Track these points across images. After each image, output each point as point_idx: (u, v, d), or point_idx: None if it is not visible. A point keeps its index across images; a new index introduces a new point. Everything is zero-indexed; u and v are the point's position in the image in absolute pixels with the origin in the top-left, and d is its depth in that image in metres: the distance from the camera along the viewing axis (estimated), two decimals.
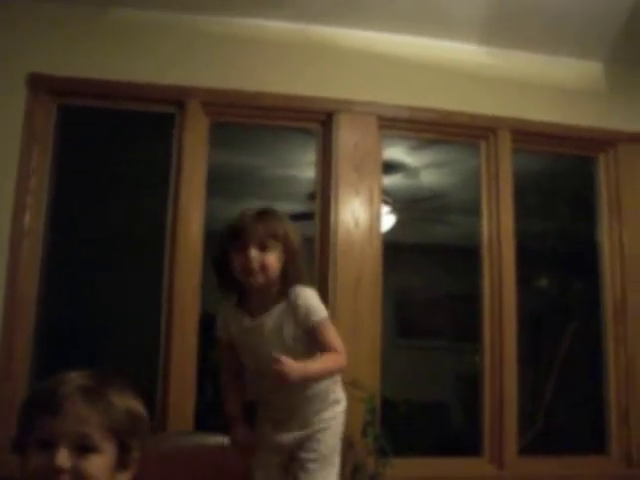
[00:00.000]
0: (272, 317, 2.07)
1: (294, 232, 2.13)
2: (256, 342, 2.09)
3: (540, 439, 3.22)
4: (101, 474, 1.18)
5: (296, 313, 2.05)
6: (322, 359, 2.04)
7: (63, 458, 1.12)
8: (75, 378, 1.21)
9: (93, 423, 1.17)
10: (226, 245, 2.09)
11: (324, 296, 2.87)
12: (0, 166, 2.78)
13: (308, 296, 2.09)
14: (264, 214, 2.09)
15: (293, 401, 2.10)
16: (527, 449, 3.04)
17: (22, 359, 2.71)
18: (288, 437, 2.12)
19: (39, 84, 2.86)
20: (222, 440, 2.36)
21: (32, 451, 1.12)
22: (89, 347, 2.83)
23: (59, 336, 2.81)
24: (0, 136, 2.80)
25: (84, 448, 1.16)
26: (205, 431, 2.61)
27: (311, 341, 2.08)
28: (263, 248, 2.03)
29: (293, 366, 1.91)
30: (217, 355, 2.26)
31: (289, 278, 2.08)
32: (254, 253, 2.02)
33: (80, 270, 2.90)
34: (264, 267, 2.03)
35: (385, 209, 3.36)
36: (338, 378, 2.21)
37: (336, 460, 2.15)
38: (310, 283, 2.17)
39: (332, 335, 2.08)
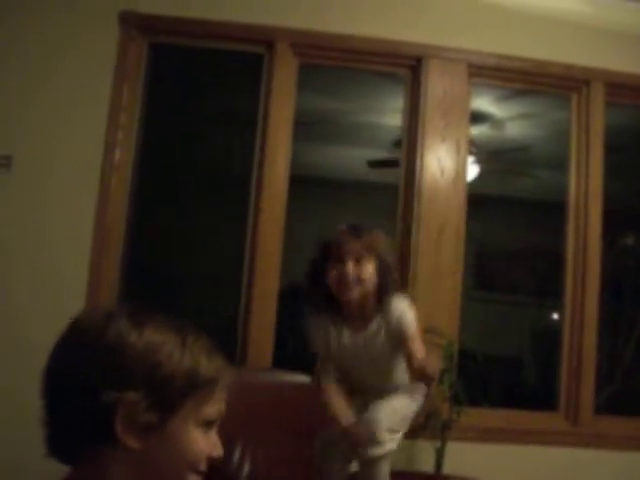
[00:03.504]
0: (372, 329, 2.11)
1: (386, 244, 2.17)
2: (356, 353, 2.13)
3: (616, 399, 3.18)
4: None
5: (390, 323, 2.10)
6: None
7: None
8: None
9: None
10: (322, 260, 2.12)
11: (407, 244, 2.88)
12: (92, 102, 2.84)
13: (402, 309, 2.11)
14: (358, 229, 2.12)
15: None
16: (602, 408, 3.00)
17: (110, 289, 2.81)
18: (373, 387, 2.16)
19: (131, 22, 2.90)
20: (299, 378, 2.41)
21: None
22: (173, 280, 2.90)
23: (145, 268, 2.89)
24: (93, 73, 2.85)
25: None
26: (282, 368, 2.66)
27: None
28: (358, 261, 2.07)
29: (424, 359, 1.97)
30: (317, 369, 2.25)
31: (384, 289, 2.10)
32: (350, 267, 2.06)
33: (166, 205, 2.96)
34: (360, 280, 2.07)
35: (469, 159, 3.31)
36: None
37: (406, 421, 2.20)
38: (403, 291, 2.24)
39: (419, 344, 2.08)
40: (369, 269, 2.08)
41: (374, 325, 2.12)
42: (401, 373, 2.17)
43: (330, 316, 2.16)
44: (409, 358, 2.05)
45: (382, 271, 2.10)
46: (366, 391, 2.17)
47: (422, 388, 2.22)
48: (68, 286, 2.71)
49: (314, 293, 2.16)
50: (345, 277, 2.06)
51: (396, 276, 2.18)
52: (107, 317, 1.00)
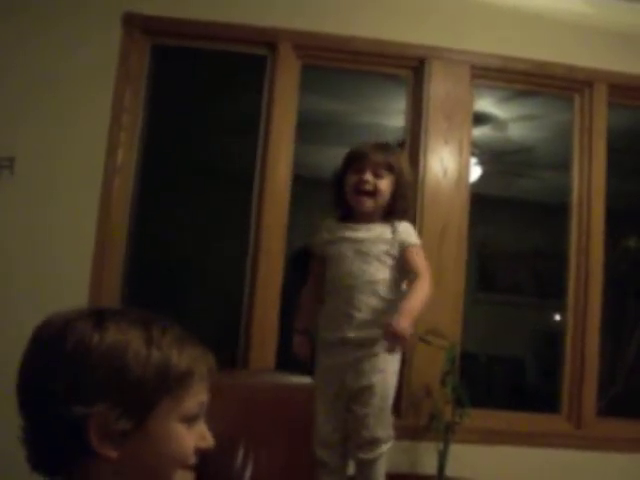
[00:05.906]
0: (370, 231, 2.17)
1: (408, 169, 2.26)
2: (347, 250, 2.16)
3: (618, 401, 3.17)
4: None
5: (395, 234, 2.16)
6: (413, 294, 2.10)
7: None
8: None
9: None
10: (345, 167, 2.21)
11: None
12: (95, 103, 2.84)
13: (409, 226, 2.22)
14: (385, 145, 2.22)
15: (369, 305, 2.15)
16: (604, 410, 2.99)
17: (111, 292, 2.81)
18: (359, 333, 2.14)
19: (134, 23, 2.90)
20: (301, 380, 2.41)
21: None
22: (176, 282, 2.91)
23: (147, 271, 2.90)
24: (95, 74, 2.85)
25: None
26: (285, 370, 2.66)
27: (402, 262, 2.18)
28: (377, 175, 2.15)
29: (402, 324, 1.97)
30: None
31: (394, 210, 2.19)
32: (368, 176, 2.14)
33: (169, 207, 2.96)
34: (376, 191, 2.15)
35: (472, 160, 3.31)
36: None
37: (390, 406, 2.20)
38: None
39: (421, 260, 2.19)
40: (385, 183, 2.16)
41: (377, 231, 2.16)
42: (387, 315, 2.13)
43: (340, 218, 2.25)
44: (411, 269, 2.16)
45: (397, 191, 2.18)
46: (348, 331, 2.14)
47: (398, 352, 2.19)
48: (70, 288, 2.70)
49: (337, 200, 2.26)
50: (361, 185, 2.15)
51: (409, 202, 2.27)
52: (66, 325, 0.94)
